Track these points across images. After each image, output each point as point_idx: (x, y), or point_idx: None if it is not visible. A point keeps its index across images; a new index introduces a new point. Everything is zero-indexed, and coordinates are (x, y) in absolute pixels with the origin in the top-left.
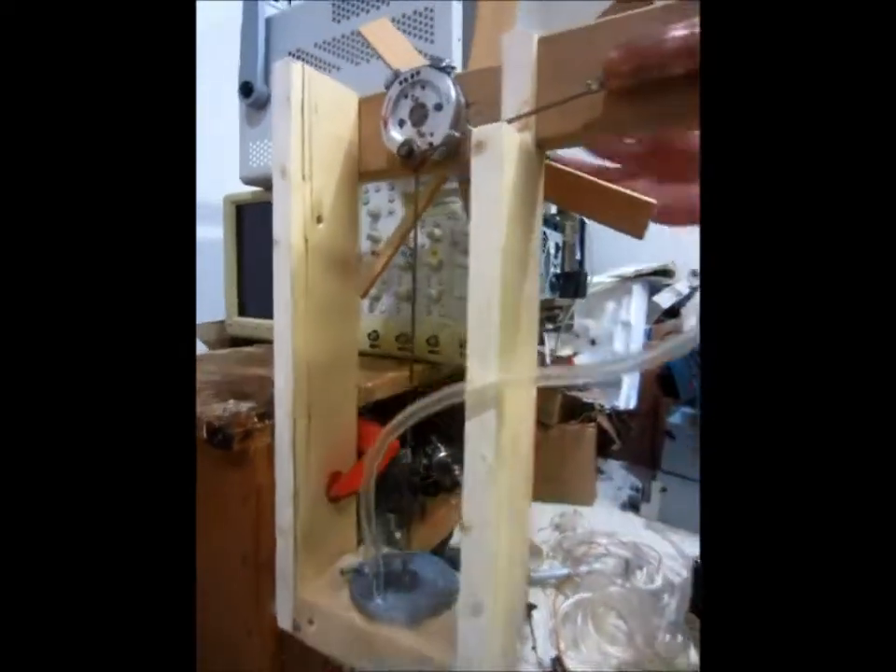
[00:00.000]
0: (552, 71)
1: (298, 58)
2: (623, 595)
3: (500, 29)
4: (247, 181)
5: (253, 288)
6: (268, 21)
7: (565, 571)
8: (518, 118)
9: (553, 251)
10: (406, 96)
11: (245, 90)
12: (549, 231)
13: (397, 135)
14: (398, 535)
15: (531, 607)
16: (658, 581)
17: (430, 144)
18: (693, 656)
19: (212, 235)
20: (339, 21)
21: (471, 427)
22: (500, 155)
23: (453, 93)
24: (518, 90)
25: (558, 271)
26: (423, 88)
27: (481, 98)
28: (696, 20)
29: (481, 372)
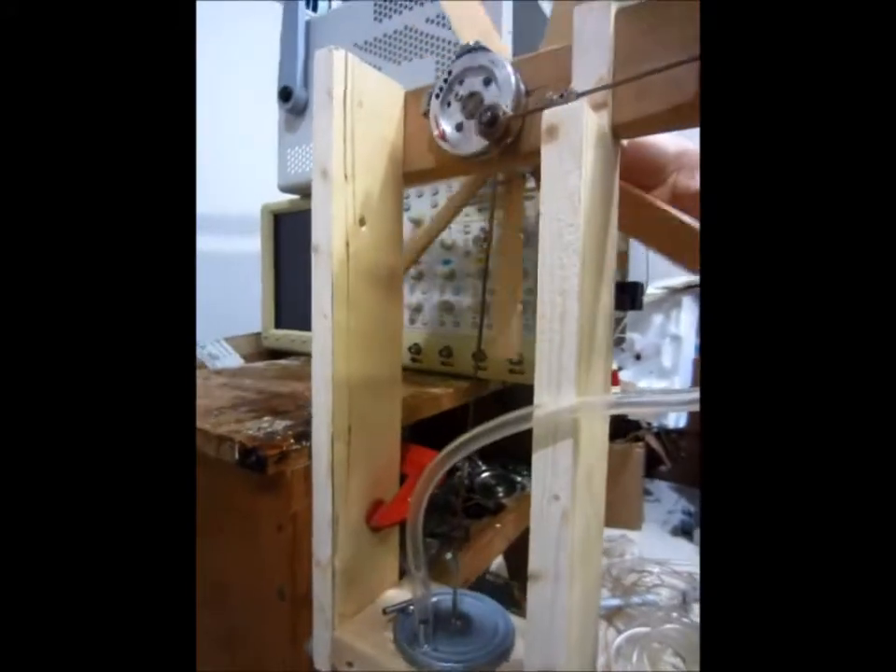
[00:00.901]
0: (631, 47)
1: None
2: (680, 632)
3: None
4: (285, 189)
5: (290, 299)
6: (308, 25)
7: (616, 602)
8: (593, 90)
9: None
10: (453, 92)
11: (285, 94)
12: None
13: (448, 129)
14: (449, 563)
15: None
16: None
17: (504, 112)
18: None
19: (252, 248)
20: (380, 21)
21: (539, 460)
22: (579, 141)
23: (507, 69)
24: (593, 67)
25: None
26: (469, 76)
27: (543, 83)
28: None
29: (552, 396)
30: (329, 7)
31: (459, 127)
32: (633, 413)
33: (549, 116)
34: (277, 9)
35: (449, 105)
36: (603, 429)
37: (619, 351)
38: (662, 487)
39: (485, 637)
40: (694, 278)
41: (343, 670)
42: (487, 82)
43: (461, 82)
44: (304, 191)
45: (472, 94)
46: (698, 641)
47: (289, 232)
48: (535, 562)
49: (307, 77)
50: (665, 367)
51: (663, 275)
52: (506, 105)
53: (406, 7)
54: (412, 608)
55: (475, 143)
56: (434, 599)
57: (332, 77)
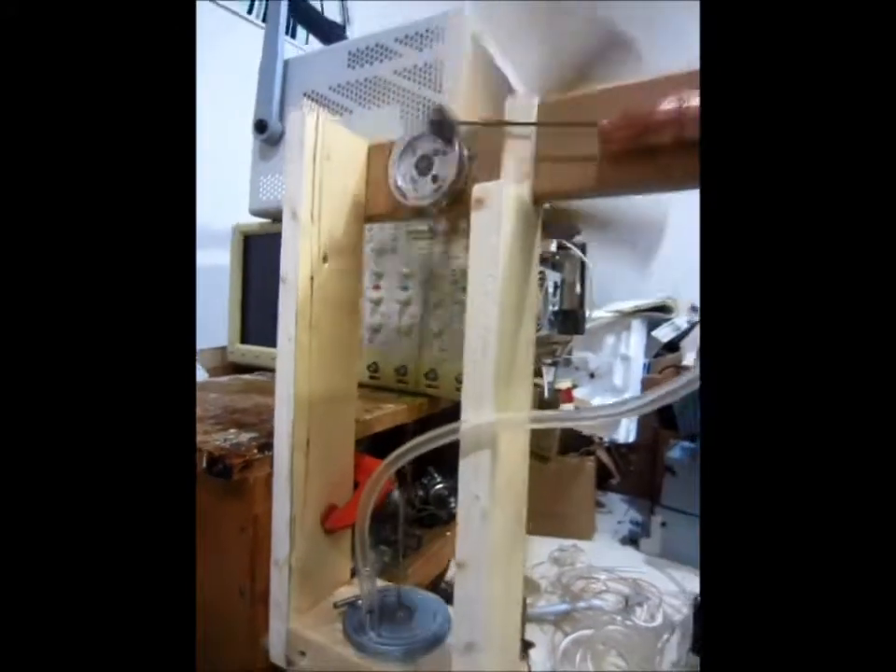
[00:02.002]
0: (549, 133)
1: (312, 99)
2: (623, 634)
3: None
4: (256, 213)
5: (256, 316)
6: (286, 63)
7: (563, 607)
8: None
9: (551, 290)
10: (412, 150)
11: (260, 126)
12: (547, 271)
13: (403, 184)
14: (394, 567)
15: (529, 644)
16: (659, 619)
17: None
18: None
19: (214, 261)
20: (353, 68)
21: (465, 467)
22: (499, 212)
23: (456, 145)
24: (519, 148)
25: (556, 308)
26: (427, 141)
27: (483, 152)
28: (686, 93)
29: (475, 413)
30: (307, 39)
31: (413, 181)
32: (543, 427)
33: (477, 190)
34: (255, 32)
35: (408, 162)
36: (523, 441)
37: (573, 370)
38: (614, 499)
39: (425, 624)
40: (641, 302)
41: (295, 659)
42: (436, 151)
43: (417, 146)
44: (275, 216)
45: (424, 157)
46: (639, 642)
47: (258, 253)
48: (460, 553)
49: (282, 111)
50: (617, 385)
51: (616, 300)
52: (451, 169)
53: (377, 58)
54: (360, 601)
55: (426, 197)
56: (381, 594)
57: (304, 134)
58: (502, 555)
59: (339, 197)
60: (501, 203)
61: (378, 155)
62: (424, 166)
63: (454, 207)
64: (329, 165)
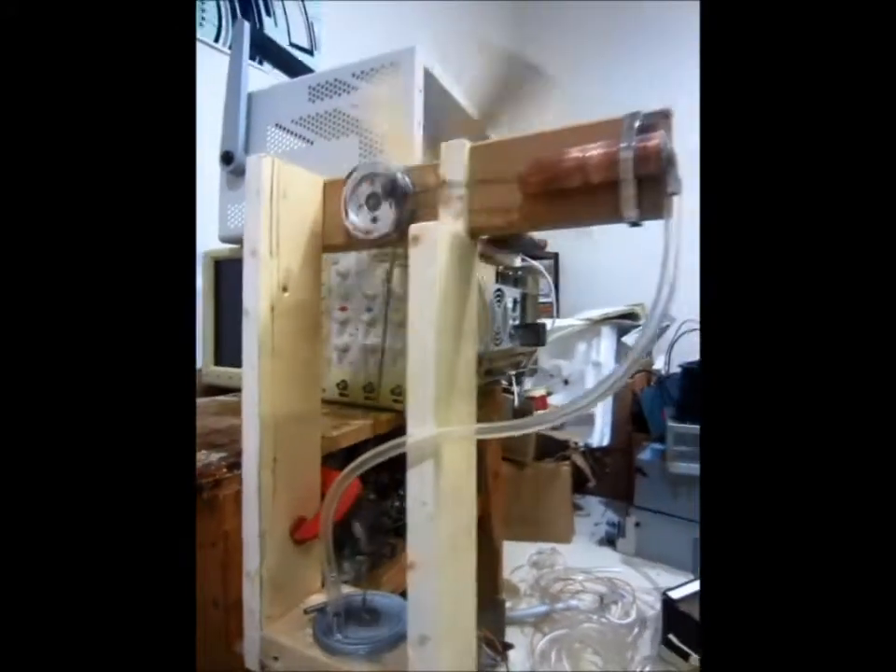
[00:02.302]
0: (480, 174)
1: (278, 129)
2: (597, 631)
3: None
4: (225, 240)
5: (229, 339)
6: (250, 97)
7: (542, 609)
8: None
9: (510, 305)
10: (362, 185)
11: (226, 158)
12: (506, 288)
13: (355, 219)
14: (361, 568)
15: (508, 646)
16: (633, 616)
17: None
18: None
19: None
20: (314, 101)
21: (412, 476)
22: (433, 248)
23: (399, 176)
24: (453, 187)
25: (517, 322)
26: (375, 179)
27: (428, 185)
28: (592, 144)
29: (419, 428)
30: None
31: (364, 216)
32: (484, 437)
33: (413, 229)
34: (222, 59)
35: (359, 198)
36: (469, 450)
37: (548, 377)
38: (592, 502)
39: (389, 625)
40: (610, 310)
41: (269, 664)
42: (386, 186)
43: (366, 183)
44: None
45: (373, 194)
46: (613, 638)
47: (229, 278)
48: (411, 554)
49: (248, 143)
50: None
51: (590, 307)
52: (398, 205)
53: (336, 93)
54: (329, 607)
55: (376, 230)
56: (348, 599)
57: (261, 177)
58: (449, 555)
59: (296, 231)
60: (436, 240)
61: (333, 190)
62: (373, 203)
63: (403, 239)
64: (285, 203)
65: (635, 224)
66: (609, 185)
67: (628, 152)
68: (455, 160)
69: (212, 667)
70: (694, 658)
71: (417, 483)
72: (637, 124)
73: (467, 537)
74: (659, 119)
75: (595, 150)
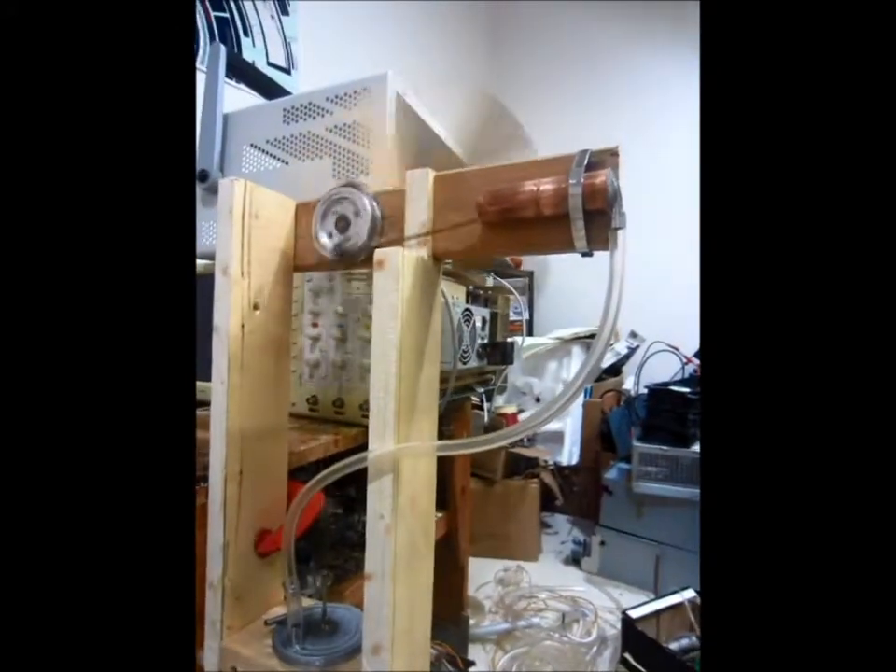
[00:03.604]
0: (443, 201)
1: (253, 148)
2: (557, 649)
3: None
4: (201, 256)
5: (201, 353)
6: (225, 118)
7: (504, 626)
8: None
9: (479, 324)
10: (332, 210)
11: (202, 176)
12: (475, 308)
13: (326, 241)
14: (322, 582)
15: (469, 663)
16: (594, 634)
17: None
18: None
19: None
20: (288, 123)
21: (371, 490)
22: (396, 273)
23: (366, 202)
24: (418, 213)
25: (485, 341)
26: (345, 203)
27: (394, 210)
28: (545, 179)
29: (379, 443)
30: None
31: (334, 238)
32: (445, 454)
33: (378, 254)
34: (201, 77)
35: (329, 221)
36: (429, 465)
37: (519, 395)
38: (560, 520)
39: (347, 636)
40: (580, 329)
41: None
42: (355, 210)
43: (336, 206)
44: None
45: (342, 217)
46: (572, 657)
47: (202, 293)
48: (368, 565)
49: (223, 162)
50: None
51: (561, 326)
52: (365, 228)
53: (310, 115)
54: (289, 618)
55: (345, 252)
56: (308, 610)
57: (233, 198)
58: (405, 566)
59: (267, 251)
60: (398, 264)
61: (305, 212)
62: (342, 225)
63: (370, 261)
64: (257, 224)
65: (586, 254)
66: (560, 217)
67: (577, 188)
68: (420, 187)
69: None
70: None
71: (376, 496)
72: (585, 161)
73: (424, 549)
74: (607, 157)
75: (546, 185)
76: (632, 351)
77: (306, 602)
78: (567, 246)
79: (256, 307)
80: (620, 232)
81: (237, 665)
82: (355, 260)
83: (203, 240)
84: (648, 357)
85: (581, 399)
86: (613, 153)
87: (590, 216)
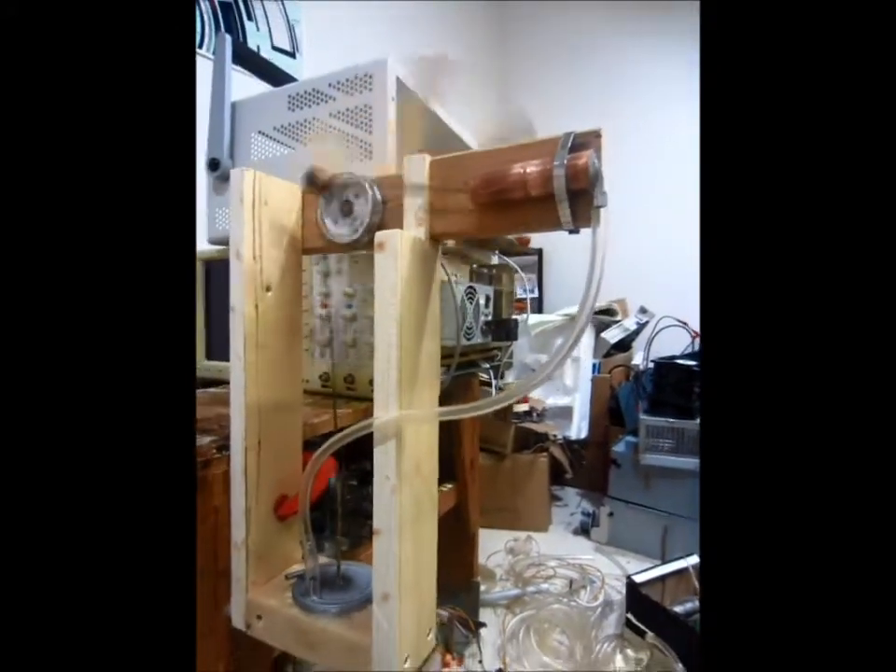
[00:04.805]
0: (439, 185)
1: (261, 136)
2: (565, 613)
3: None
4: (214, 241)
5: (219, 335)
6: (233, 106)
7: (514, 592)
8: None
9: (482, 302)
10: (337, 195)
11: (213, 165)
12: (478, 286)
13: (331, 225)
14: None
15: (481, 625)
16: (600, 599)
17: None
18: (619, 662)
19: None
20: (293, 110)
21: (378, 454)
22: (395, 254)
23: (368, 188)
24: (416, 196)
25: (489, 318)
26: (348, 188)
27: (394, 195)
28: (532, 161)
29: (384, 411)
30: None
31: (338, 222)
32: (445, 419)
33: (378, 236)
34: (206, 64)
35: (333, 206)
36: (430, 432)
37: (529, 371)
38: (570, 493)
39: (360, 590)
40: None
41: (253, 623)
42: (357, 195)
43: (340, 192)
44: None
45: (346, 201)
46: (579, 619)
47: (218, 277)
48: (376, 522)
49: (233, 150)
50: (568, 385)
51: (571, 303)
52: (368, 212)
53: (314, 101)
54: (307, 573)
55: (349, 235)
56: (324, 567)
57: (243, 187)
58: (410, 524)
59: (277, 236)
60: (398, 246)
61: (311, 198)
62: (346, 210)
63: (373, 243)
64: (266, 210)
65: (572, 231)
66: (547, 197)
67: (560, 170)
68: (417, 171)
69: (200, 630)
70: (650, 636)
71: (382, 459)
72: (569, 143)
73: (428, 508)
74: (591, 139)
75: (533, 167)
76: (641, 326)
77: (322, 559)
78: (555, 225)
79: (268, 289)
80: (602, 210)
81: (261, 614)
82: (358, 243)
83: (217, 226)
84: (657, 332)
85: (589, 373)
86: (597, 135)
87: (574, 195)
